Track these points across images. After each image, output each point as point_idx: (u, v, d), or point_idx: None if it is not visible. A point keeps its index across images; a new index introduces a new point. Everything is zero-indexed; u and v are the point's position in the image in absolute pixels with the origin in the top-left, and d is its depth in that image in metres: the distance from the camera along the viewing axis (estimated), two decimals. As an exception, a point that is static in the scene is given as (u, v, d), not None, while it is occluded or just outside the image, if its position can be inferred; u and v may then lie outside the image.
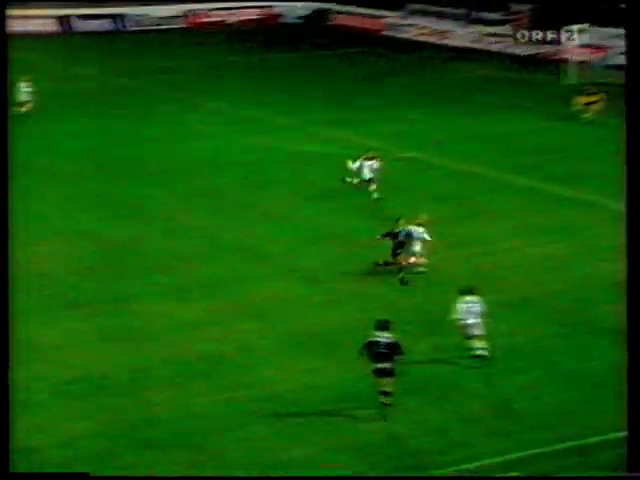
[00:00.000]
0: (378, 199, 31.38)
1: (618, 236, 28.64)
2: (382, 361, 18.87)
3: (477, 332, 21.28)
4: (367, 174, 31.62)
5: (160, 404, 19.65)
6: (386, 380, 18.99)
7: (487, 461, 17.71)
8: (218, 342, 22.43)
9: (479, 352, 21.34)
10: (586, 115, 41.03)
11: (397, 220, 26.21)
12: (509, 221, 30.28)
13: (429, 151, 37.76)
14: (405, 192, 33.11)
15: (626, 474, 12.13)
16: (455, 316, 21.42)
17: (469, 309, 21.23)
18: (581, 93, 41.42)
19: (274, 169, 36.05)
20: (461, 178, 34.66)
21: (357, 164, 31.79)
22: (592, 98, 41.04)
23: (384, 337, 18.99)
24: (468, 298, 21.43)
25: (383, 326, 19.19)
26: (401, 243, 25.76)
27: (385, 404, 19.06)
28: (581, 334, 22.76)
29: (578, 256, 27.37)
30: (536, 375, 20.87)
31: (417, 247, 25.89)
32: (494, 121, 42.58)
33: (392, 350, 18.85)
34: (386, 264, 25.89)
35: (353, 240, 28.76)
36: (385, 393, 19.02)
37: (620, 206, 30.78)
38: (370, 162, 31.77)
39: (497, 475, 17.37)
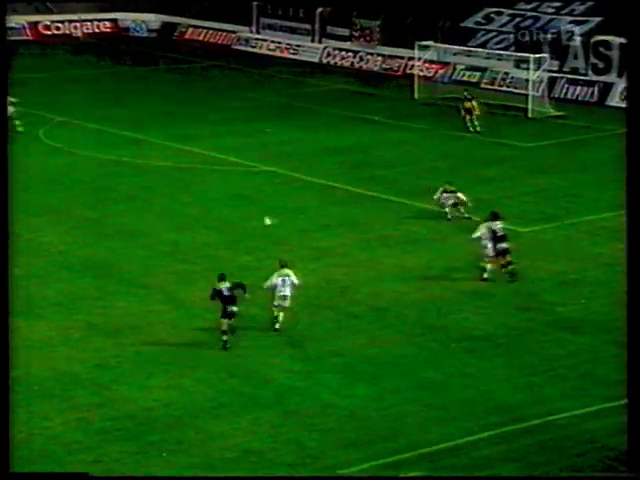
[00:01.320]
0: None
1: (468, 246, 29.54)
2: (229, 304, 22.61)
3: (287, 304, 23.43)
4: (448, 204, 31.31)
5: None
6: (227, 321, 22.61)
7: (343, 472, 17.87)
8: (70, 360, 21.99)
9: (277, 326, 23.34)
10: (472, 124, 42.46)
11: (498, 218, 26.70)
12: (364, 233, 30.68)
13: (283, 164, 37.96)
14: (261, 205, 33.22)
15: (626, 474, 12.41)
16: (270, 285, 23.45)
17: (285, 282, 23.37)
18: (463, 100, 43.05)
19: (125, 184, 35.59)
20: (314, 191, 34.96)
21: (436, 196, 31.60)
22: (467, 104, 42.72)
23: (225, 286, 22.75)
24: (285, 271, 23.55)
25: (221, 278, 22.95)
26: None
27: (226, 342, 22.51)
28: (434, 343, 23.21)
29: (431, 266, 27.93)
30: (391, 384, 21.18)
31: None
32: (346, 134, 43.11)
33: (233, 294, 22.70)
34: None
35: (203, 254, 28.69)
36: (225, 332, 22.52)
37: (474, 216, 31.80)
38: (449, 194, 31.34)
39: (498, 475, 17.53)
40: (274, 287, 23.38)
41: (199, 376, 21.43)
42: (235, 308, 22.53)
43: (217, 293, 22.59)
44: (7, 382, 11.21)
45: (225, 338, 22.47)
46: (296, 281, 23.63)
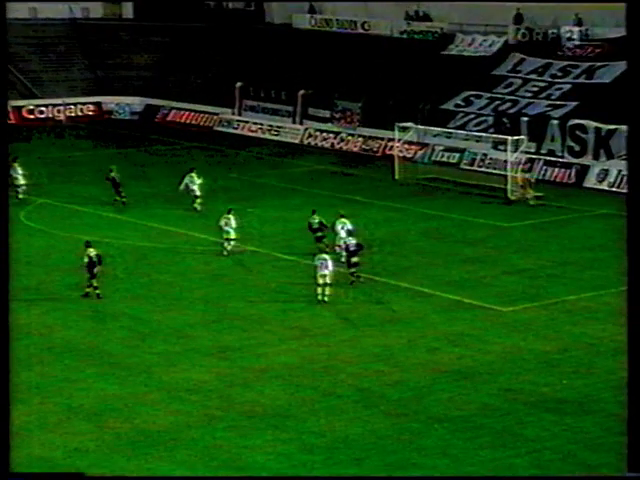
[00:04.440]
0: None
1: (449, 325, 29.42)
2: (92, 267, 30.95)
3: (329, 281, 30.69)
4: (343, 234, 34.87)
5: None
6: (93, 279, 31.07)
7: None
8: (47, 446, 21.63)
9: (326, 299, 30.59)
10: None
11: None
12: (345, 312, 30.56)
13: (265, 244, 37.93)
14: (242, 285, 33.12)
15: (626, 474, 12.29)
16: (316, 264, 30.84)
17: (325, 264, 30.60)
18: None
19: (106, 265, 35.31)
20: (296, 270, 34.83)
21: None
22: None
23: (92, 253, 31.04)
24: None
25: (88, 245, 31.51)
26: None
27: (88, 294, 31.21)
28: (416, 423, 22.96)
29: (412, 345, 27.78)
30: (373, 465, 20.88)
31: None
32: (328, 214, 43.01)
33: (97, 259, 31.14)
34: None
35: (184, 334, 28.48)
36: (90, 286, 31.33)
37: (450, 295, 31.76)
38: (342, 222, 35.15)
39: (498, 475, 17.22)
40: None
41: (179, 459, 21.10)
42: (96, 270, 30.88)
43: (89, 258, 31.00)
44: (7, 383, 11.17)
45: (87, 290, 31.06)
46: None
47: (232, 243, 36.61)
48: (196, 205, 42.85)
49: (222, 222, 36.68)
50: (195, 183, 43.07)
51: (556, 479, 17.82)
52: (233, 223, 36.61)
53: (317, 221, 35.93)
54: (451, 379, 25.52)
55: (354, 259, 32.69)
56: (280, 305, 31.23)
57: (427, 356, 26.99)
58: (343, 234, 34.64)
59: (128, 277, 34.14)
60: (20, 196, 43.82)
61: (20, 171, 44.01)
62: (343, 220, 35.21)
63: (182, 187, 43.13)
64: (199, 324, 29.48)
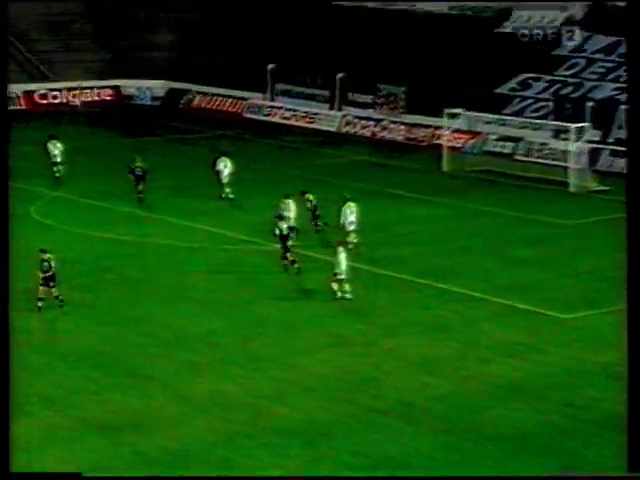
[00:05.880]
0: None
1: (503, 333, 29.29)
2: (48, 279, 30.61)
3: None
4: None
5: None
6: (45, 289, 30.56)
7: None
8: (60, 462, 21.77)
9: (347, 296, 31.28)
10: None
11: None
12: (387, 319, 30.54)
13: (296, 242, 37.92)
14: (272, 288, 33.19)
15: (626, 474, 12.51)
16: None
17: (341, 257, 31.12)
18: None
19: (124, 265, 35.62)
20: (329, 269, 34.81)
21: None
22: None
23: (47, 258, 30.61)
24: (341, 248, 31.75)
25: (43, 250, 31.00)
26: None
27: (40, 308, 30.47)
28: (467, 443, 22.89)
29: (462, 356, 27.71)
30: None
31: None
32: (368, 210, 43.04)
33: (51, 271, 30.58)
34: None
35: (209, 342, 28.58)
36: (41, 299, 30.49)
37: (503, 300, 31.60)
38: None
39: (496, 475, 17.30)
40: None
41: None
42: (52, 283, 30.49)
43: (42, 263, 30.68)
44: (7, 383, 11.36)
45: (40, 304, 30.24)
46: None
47: (292, 234, 35.97)
48: (227, 194, 43.27)
49: (280, 208, 36.70)
50: (228, 168, 43.69)
51: (557, 479, 17.83)
52: (292, 209, 36.62)
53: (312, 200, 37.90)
54: (505, 393, 25.43)
55: (289, 243, 34.26)
56: (313, 310, 31.25)
57: (478, 368, 26.91)
58: (352, 218, 36.09)
59: (148, 278, 34.32)
60: (57, 175, 46.32)
61: (59, 147, 46.34)
62: (350, 204, 36.31)
63: (218, 168, 43.97)
64: (225, 330, 29.57)
